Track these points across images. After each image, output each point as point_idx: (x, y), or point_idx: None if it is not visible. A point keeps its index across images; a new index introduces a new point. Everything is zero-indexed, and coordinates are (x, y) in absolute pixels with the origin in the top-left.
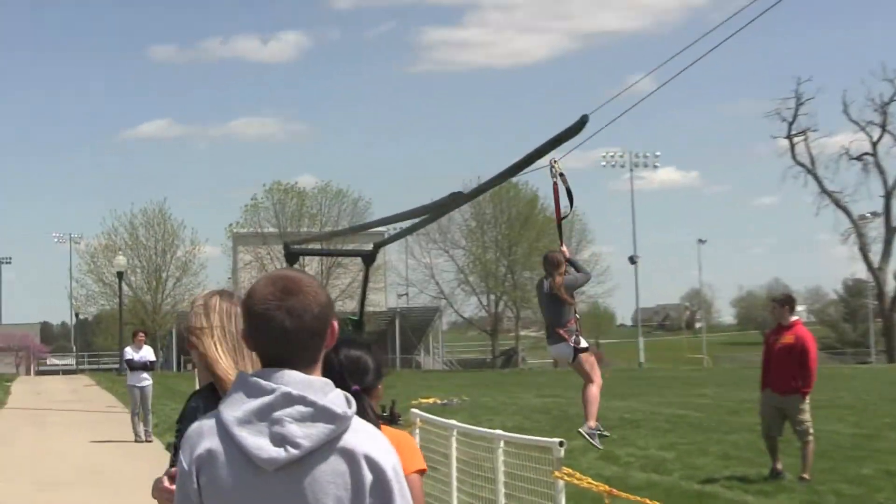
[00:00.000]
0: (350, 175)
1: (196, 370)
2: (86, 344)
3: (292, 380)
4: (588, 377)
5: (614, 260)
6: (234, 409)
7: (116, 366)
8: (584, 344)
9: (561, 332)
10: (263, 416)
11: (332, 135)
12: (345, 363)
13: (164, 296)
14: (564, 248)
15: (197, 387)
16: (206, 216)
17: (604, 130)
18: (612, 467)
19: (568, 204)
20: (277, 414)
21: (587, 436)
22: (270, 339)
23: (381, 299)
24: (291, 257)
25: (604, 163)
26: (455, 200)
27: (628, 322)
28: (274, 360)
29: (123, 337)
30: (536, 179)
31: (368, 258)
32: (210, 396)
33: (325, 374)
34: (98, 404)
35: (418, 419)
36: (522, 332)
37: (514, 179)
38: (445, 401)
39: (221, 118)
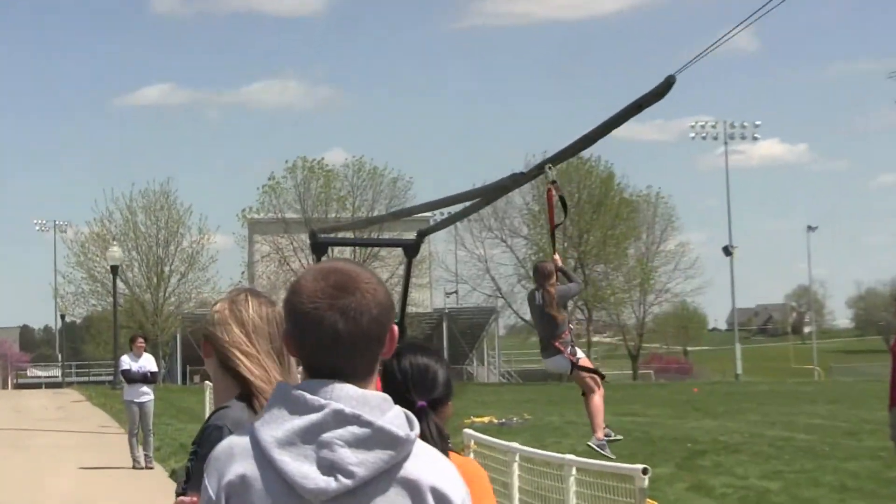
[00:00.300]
0: (387, 150)
1: (212, 384)
2: (74, 352)
3: (345, 394)
4: (589, 387)
5: (706, 251)
6: (274, 427)
7: (110, 378)
8: (580, 355)
9: (556, 344)
10: (310, 437)
11: (366, 102)
12: (408, 374)
13: (166, 294)
14: (557, 258)
15: (208, 404)
16: (216, 200)
17: (694, 96)
18: (705, 500)
19: (562, 213)
20: (327, 436)
21: (597, 448)
22: (319, 344)
23: (426, 298)
24: (319, 248)
25: (693, 134)
26: (516, 181)
27: (722, 325)
28: (322, 370)
29: (119, 343)
30: (612, 153)
31: (411, 249)
32: (240, 414)
33: (383, 388)
34: (89, 424)
35: (472, 442)
36: (595, 338)
37: (584, 154)
38: (503, 420)
39: (235, 82)
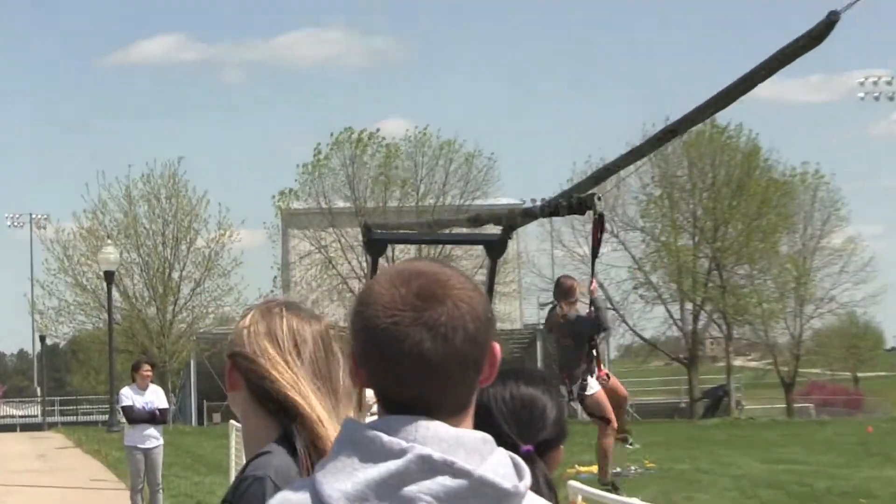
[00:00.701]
0: (459, 119)
1: (242, 424)
2: (57, 384)
3: (433, 435)
4: (604, 418)
5: (882, 247)
6: (342, 479)
7: (105, 417)
8: (591, 390)
9: (565, 377)
10: (388, 491)
11: (434, 57)
12: (510, 408)
13: (176, 308)
14: (595, 286)
15: (234, 451)
16: (241, 185)
17: (864, 42)
18: None
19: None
20: (411, 489)
21: (610, 487)
22: (400, 371)
23: (514, 310)
24: (374, 247)
25: (862, 94)
26: (665, 136)
27: None
28: (403, 403)
29: (115, 372)
30: (757, 121)
31: (495, 247)
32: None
33: (478, 425)
34: (79, 477)
35: (578, 497)
36: (737, 362)
37: (720, 121)
38: (618, 469)
39: (262, 32)
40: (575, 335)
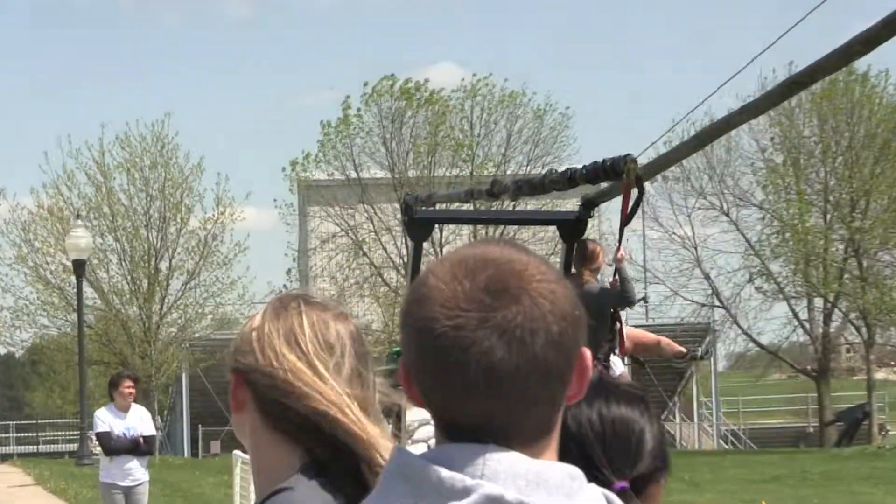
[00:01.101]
0: (529, 67)
1: (250, 453)
2: (12, 403)
3: (507, 469)
4: None
5: None
6: None
7: (73, 447)
8: (614, 373)
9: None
10: None
11: None
12: (601, 433)
13: (164, 308)
14: (622, 252)
15: (239, 488)
16: (245, 149)
17: None
18: None
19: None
20: None
21: None
22: (465, 386)
23: None
24: (418, 228)
25: None
26: (789, 89)
27: None
28: (469, 427)
29: (88, 389)
30: None
31: (571, 227)
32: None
33: (562, 454)
34: None
35: None
36: (880, 375)
37: (859, 67)
38: None
39: None
40: (597, 311)
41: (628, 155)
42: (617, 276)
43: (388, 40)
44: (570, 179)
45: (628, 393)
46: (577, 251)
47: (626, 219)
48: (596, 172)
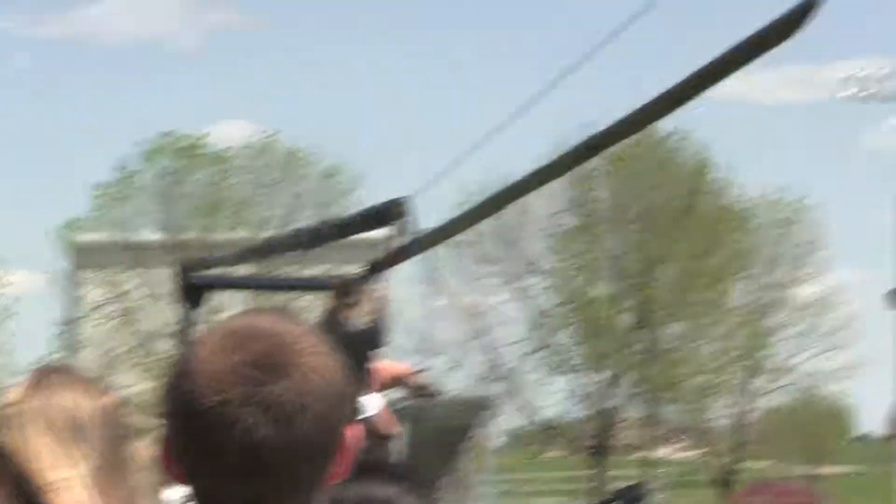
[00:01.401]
0: (318, 123)
1: None
2: None
3: None
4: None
5: (865, 295)
6: None
7: None
8: (369, 412)
9: None
10: None
11: (286, 34)
12: None
13: None
14: (385, 291)
15: None
16: (10, 210)
17: (852, 29)
18: None
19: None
20: None
21: None
22: (227, 465)
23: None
24: (192, 294)
25: (846, 93)
26: (583, 153)
27: (879, 431)
28: None
29: None
30: (708, 127)
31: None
32: None
33: None
34: None
35: None
36: (661, 452)
37: (661, 129)
38: None
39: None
40: (354, 352)
41: (400, 198)
42: (376, 318)
43: (169, 92)
44: (341, 228)
45: (392, 471)
46: (336, 283)
47: (391, 260)
48: (368, 220)
